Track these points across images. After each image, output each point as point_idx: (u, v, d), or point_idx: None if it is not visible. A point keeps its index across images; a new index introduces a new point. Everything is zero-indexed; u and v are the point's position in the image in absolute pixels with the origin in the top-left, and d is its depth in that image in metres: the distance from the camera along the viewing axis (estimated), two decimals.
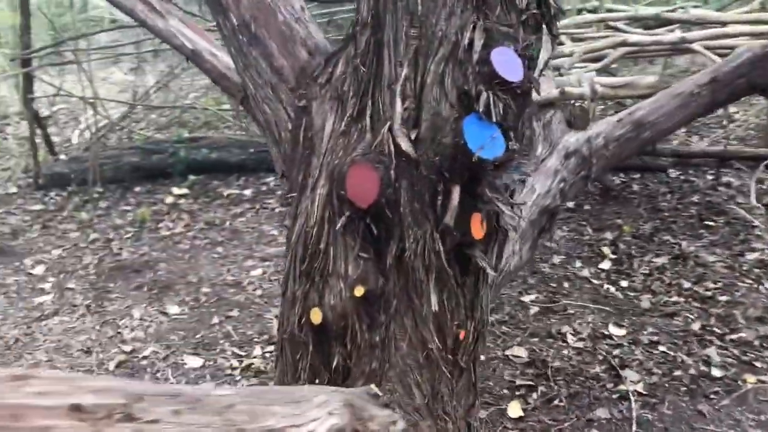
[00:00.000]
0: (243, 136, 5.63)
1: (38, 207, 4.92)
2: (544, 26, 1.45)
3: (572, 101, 2.51)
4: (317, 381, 1.59)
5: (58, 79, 5.64)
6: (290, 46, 1.68)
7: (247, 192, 5.11)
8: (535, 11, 1.41)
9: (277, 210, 4.76)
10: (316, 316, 1.53)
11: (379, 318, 1.52)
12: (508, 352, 3.04)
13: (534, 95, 2.35)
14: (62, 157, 5.68)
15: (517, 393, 2.77)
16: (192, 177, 5.26)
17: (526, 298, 3.51)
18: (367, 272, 1.50)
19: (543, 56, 1.58)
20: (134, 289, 3.73)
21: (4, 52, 5.84)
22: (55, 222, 4.66)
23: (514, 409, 2.66)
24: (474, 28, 1.36)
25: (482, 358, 2.88)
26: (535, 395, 2.75)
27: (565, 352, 3.05)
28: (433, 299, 1.45)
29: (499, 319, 3.32)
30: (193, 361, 3.04)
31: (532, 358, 2.98)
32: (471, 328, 1.62)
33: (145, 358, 3.09)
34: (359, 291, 1.49)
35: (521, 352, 3.03)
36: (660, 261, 3.91)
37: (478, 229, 1.44)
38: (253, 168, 5.43)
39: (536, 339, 3.15)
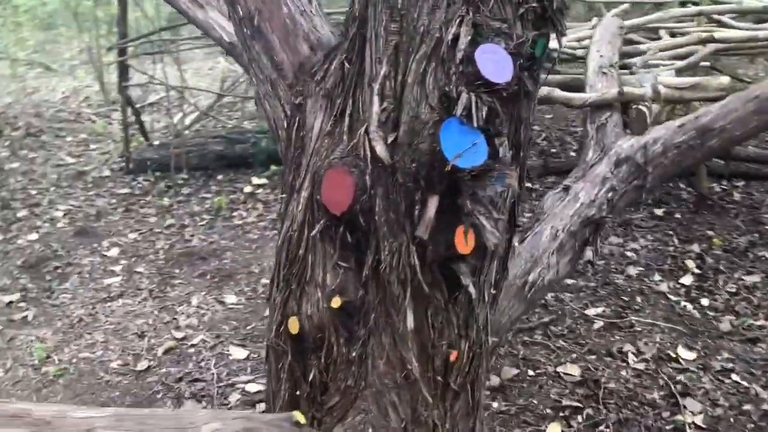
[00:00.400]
0: None
1: (125, 191, 5.13)
2: (547, 21, 1.30)
3: (632, 103, 2.29)
4: (297, 392, 1.52)
5: (153, 67, 5.85)
6: (292, 40, 1.60)
7: None
8: (534, 4, 1.26)
9: None
10: (293, 326, 1.45)
11: (358, 332, 1.42)
12: (559, 369, 2.85)
13: (586, 96, 2.17)
14: (155, 143, 5.91)
15: (561, 414, 2.59)
16: (273, 167, 5.32)
17: (591, 312, 3.29)
18: (346, 282, 1.41)
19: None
20: (197, 276, 3.80)
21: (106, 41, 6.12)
22: (137, 206, 4.84)
23: None
24: (460, 22, 1.23)
25: (494, 379, 2.73)
26: (579, 418, 2.56)
27: (623, 373, 2.82)
28: (409, 316, 1.34)
29: (556, 332, 3.13)
30: (238, 353, 3.05)
31: (585, 377, 2.78)
32: (465, 349, 1.49)
33: (193, 346, 3.13)
34: (336, 302, 1.40)
35: (574, 370, 2.83)
36: (751, 279, 3.56)
37: (462, 242, 1.31)
38: None
39: (593, 356, 2.93)
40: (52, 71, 9.97)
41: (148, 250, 4.14)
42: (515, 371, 2.84)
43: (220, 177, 5.31)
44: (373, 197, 1.30)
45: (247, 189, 5.03)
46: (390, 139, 1.28)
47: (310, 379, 1.46)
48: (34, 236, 4.35)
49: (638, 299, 3.40)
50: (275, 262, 1.52)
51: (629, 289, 3.50)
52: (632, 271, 3.68)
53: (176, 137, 5.86)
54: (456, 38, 1.22)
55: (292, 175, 1.51)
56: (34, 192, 5.12)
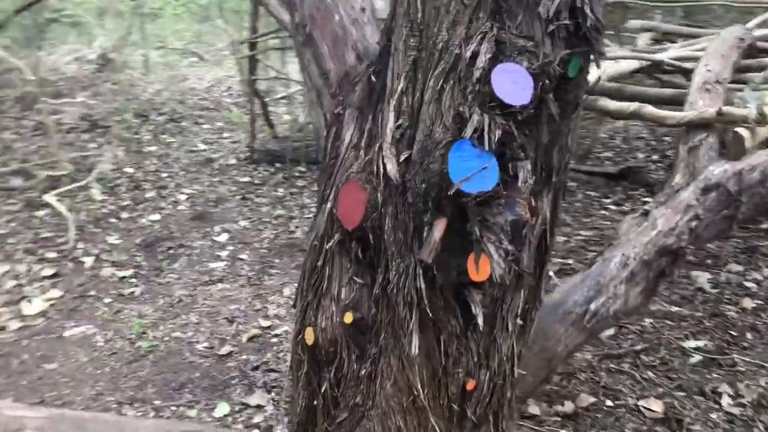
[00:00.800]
0: None
1: (245, 179, 5.37)
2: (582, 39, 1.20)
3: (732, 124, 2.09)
4: (314, 402, 1.52)
5: (283, 62, 6.08)
6: (340, 49, 1.59)
7: None
8: (566, 21, 1.17)
9: None
10: (309, 336, 1.45)
11: (369, 350, 1.40)
12: (641, 403, 2.65)
13: (681, 115, 2.02)
14: (280, 136, 6.14)
15: None
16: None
17: (690, 344, 3.03)
18: (360, 299, 1.39)
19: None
20: (294, 267, 3.91)
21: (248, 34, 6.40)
22: (254, 195, 5.05)
23: None
24: (482, 39, 1.16)
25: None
26: None
27: (713, 416, 2.58)
28: (415, 340, 1.29)
29: (646, 363, 2.92)
30: None
31: (668, 416, 2.57)
32: (485, 379, 1.42)
33: (276, 336, 3.22)
34: (348, 318, 1.38)
35: (657, 406, 2.63)
36: None
37: (473, 269, 1.24)
38: None
39: (682, 394, 2.71)
40: (204, 61, 10.64)
41: (254, 239, 4.32)
42: (592, 399, 2.68)
43: None
44: (383, 215, 1.27)
45: None
46: (403, 157, 1.24)
47: (322, 391, 1.45)
48: (156, 216, 4.67)
49: (748, 336, 3.10)
50: (301, 270, 1.53)
51: (740, 324, 3.20)
52: (748, 303, 3.36)
53: (299, 131, 6.06)
54: (475, 56, 1.16)
55: (323, 185, 1.51)
56: (164, 175, 5.49)
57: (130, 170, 5.55)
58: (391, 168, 1.24)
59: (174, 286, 3.73)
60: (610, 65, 2.82)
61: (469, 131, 1.15)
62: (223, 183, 5.32)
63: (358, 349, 1.40)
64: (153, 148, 6.16)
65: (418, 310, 1.28)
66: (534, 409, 2.64)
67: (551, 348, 1.90)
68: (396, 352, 1.35)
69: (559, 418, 2.59)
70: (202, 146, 6.29)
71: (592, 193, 4.96)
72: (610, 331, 3.11)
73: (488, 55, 1.16)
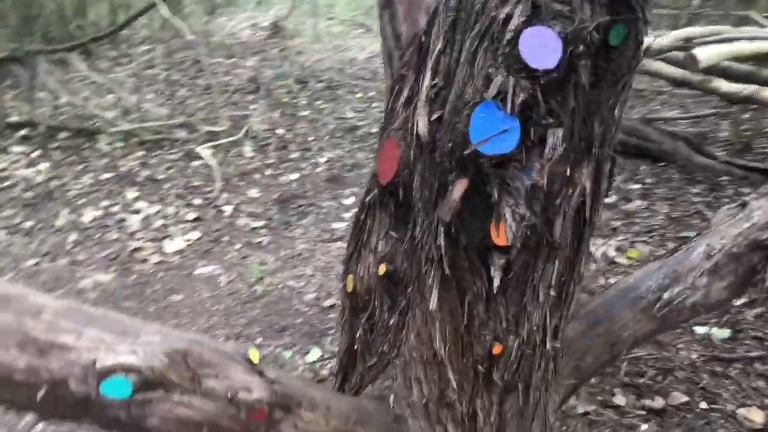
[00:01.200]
0: None
1: None
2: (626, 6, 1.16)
3: None
4: (354, 346, 1.60)
5: None
6: (414, 11, 1.64)
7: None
8: None
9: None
10: (349, 283, 1.53)
11: (400, 302, 1.45)
12: (740, 411, 2.48)
13: None
14: None
15: None
16: None
17: None
18: (394, 252, 1.44)
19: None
20: None
21: None
22: None
23: None
24: (517, 1, 1.17)
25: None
26: None
27: None
28: (434, 296, 1.33)
29: (759, 371, 2.71)
30: None
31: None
32: (513, 345, 1.43)
33: None
34: (382, 269, 1.44)
35: (757, 416, 2.44)
36: None
37: (494, 233, 1.26)
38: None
39: None
40: (370, 32, 10.95)
41: None
42: (685, 399, 2.54)
43: None
44: (413, 172, 1.32)
45: None
46: (435, 116, 1.28)
47: (357, 336, 1.53)
48: (295, 176, 4.95)
49: None
50: (353, 221, 1.61)
51: None
52: None
53: None
54: (509, 18, 1.17)
55: (379, 142, 1.57)
56: (311, 138, 5.78)
57: (281, 131, 5.90)
58: (422, 126, 1.28)
59: (297, 240, 3.97)
60: (742, 45, 2.57)
61: (492, 92, 1.16)
62: (362, 150, 5.51)
63: (390, 300, 1.46)
64: (306, 113, 6.49)
65: (439, 267, 1.32)
66: (620, 399, 2.56)
67: (616, 332, 1.84)
68: (421, 306, 1.40)
69: (644, 412, 2.49)
70: (350, 114, 6.53)
71: (745, 190, 4.59)
72: (725, 334, 2.91)
73: (521, 18, 1.16)
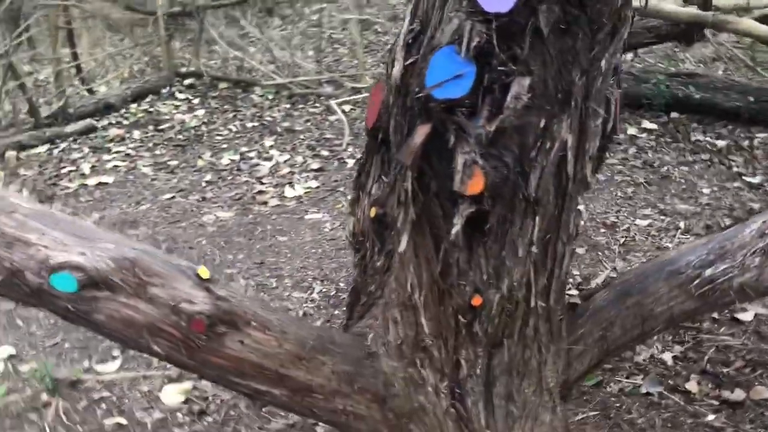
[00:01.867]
0: (748, 78, 4.94)
1: None
2: None
3: None
4: (354, 285, 1.67)
5: None
6: None
7: (720, 143, 4.55)
8: None
9: (727, 168, 4.17)
10: (350, 225, 1.59)
11: (387, 245, 1.49)
12: None
13: None
14: None
15: None
16: (674, 114, 4.95)
17: None
18: (385, 196, 1.47)
19: None
20: None
21: None
22: None
23: None
24: None
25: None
26: None
27: None
28: (403, 240, 1.35)
29: None
30: None
31: None
32: (494, 299, 1.42)
33: None
34: (372, 212, 1.49)
35: None
36: None
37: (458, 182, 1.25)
38: (749, 118, 4.75)
39: None
40: None
41: None
42: None
43: None
44: (389, 117, 1.34)
45: (631, 131, 4.80)
46: (409, 61, 1.28)
47: (354, 276, 1.60)
48: None
49: None
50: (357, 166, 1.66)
51: None
52: None
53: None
54: None
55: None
56: None
57: None
58: (397, 70, 1.29)
59: None
60: None
61: (446, 36, 1.16)
62: None
63: (380, 243, 1.51)
64: None
65: (407, 211, 1.34)
66: (692, 386, 2.40)
67: (648, 306, 1.74)
68: (396, 248, 1.43)
69: (716, 403, 2.31)
70: None
71: None
72: None
73: None
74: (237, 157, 4.65)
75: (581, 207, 3.64)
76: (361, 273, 1.58)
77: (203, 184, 4.24)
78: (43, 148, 4.86)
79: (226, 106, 5.69)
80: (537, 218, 1.34)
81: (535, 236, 1.36)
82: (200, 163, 4.56)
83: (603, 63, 1.24)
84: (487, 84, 1.16)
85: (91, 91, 6.08)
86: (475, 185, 1.25)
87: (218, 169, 4.48)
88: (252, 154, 4.70)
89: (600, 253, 3.32)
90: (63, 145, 4.92)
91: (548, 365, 1.59)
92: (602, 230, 3.57)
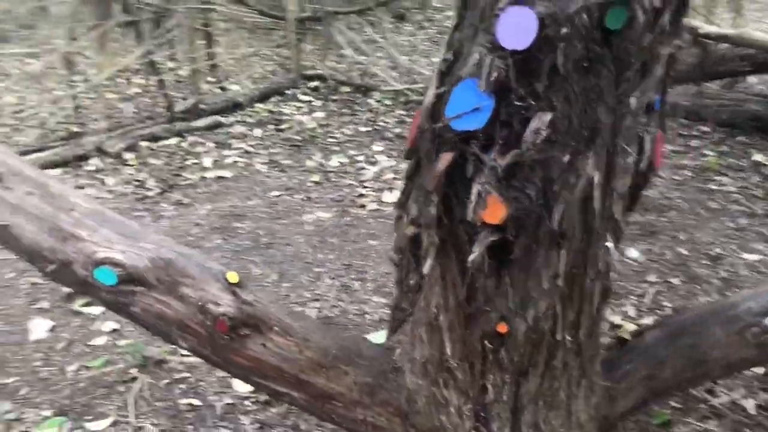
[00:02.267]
0: None
1: None
2: None
3: None
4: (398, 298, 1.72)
5: None
6: None
7: None
8: None
9: None
10: (394, 242, 1.63)
11: (421, 264, 1.52)
12: None
13: None
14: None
15: None
16: None
17: None
18: (418, 217, 1.51)
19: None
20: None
21: None
22: None
23: None
24: None
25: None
26: None
27: None
28: (427, 263, 1.39)
29: None
30: None
31: None
32: (521, 328, 1.42)
33: None
34: (410, 230, 1.52)
35: None
36: None
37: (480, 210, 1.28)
38: None
39: None
40: None
41: None
42: None
43: (741, 138, 4.85)
44: (423, 142, 1.37)
45: (756, 157, 4.49)
46: (441, 90, 1.32)
47: (395, 292, 1.64)
48: None
49: None
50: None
51: None
52: None
53: (726, 88, 5.50)
54: None
55: None
56: None
57: None
58: (428, 98, 1.33)
59: None
60: None
61: (468, 69, 1.18)
62: None
63: (414, 261, 1.54)
64: None
65: (431, 235, 1.38)
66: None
67: (702, 349, 1.66)
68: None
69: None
70: None
71: None
72: None
73: None
74: (345, 160, 4.80)
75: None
76: (399, 290, 1.63)
77: (309, 184, 4.42)
78: (173, 140, 5.25)
79: (344, 110, 5.88)
80: (562, 252, 1.34)
81: (561, 269, 1.35)
82: (310, 163, 4.76)
83: (633, 101, 1.21)
84: (505, 118, 1.18)
85: (223, 89, 6.48)
86: (494, 215, 1.27)
87: (326, 170, 4.65)
88: (360, 158, 4.84)
89: (698, 287, 3.15)
90: (191, 139, 5.28)
91: (580, 399, 1.57)
92: (704, 261, 3.38)
